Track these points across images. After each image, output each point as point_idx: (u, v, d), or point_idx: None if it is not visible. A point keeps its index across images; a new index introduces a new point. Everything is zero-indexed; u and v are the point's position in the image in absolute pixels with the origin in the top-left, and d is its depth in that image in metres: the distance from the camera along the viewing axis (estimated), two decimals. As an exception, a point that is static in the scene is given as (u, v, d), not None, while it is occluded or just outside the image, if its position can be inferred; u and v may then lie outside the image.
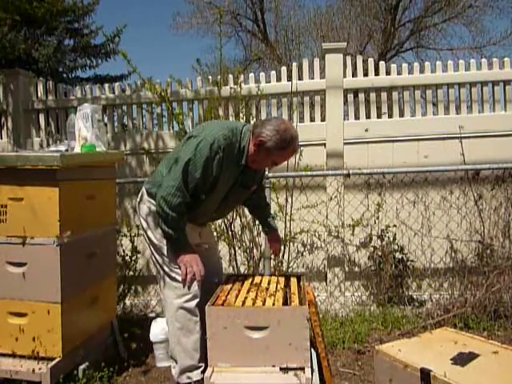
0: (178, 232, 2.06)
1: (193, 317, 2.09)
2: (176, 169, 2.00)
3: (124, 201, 3.92)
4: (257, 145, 2.04)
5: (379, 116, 3.86)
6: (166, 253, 2.13)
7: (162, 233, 2.09)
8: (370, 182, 3.70)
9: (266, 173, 3.27)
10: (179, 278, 2.09)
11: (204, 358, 2.06)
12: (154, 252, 2.19)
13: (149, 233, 2.19)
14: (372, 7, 12.17)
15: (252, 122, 3.81)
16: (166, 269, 2.13)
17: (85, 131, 2.51)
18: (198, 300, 2.09)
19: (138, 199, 2.26)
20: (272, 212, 3.51)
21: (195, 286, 2.09)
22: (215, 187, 2.07)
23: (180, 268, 2.08)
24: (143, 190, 2.24)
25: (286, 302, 1.97)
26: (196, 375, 2.09)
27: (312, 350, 2.11)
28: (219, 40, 3.56)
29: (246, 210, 2.95)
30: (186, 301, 2.08)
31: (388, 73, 3.85)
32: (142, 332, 3.01)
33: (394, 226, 3.62)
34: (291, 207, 3.63)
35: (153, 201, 2.16)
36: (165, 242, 2.14)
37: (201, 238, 2.29)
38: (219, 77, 3.84)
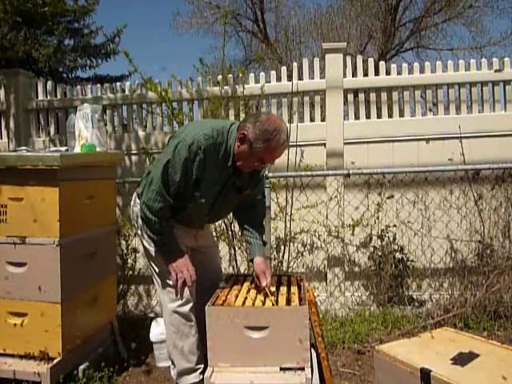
0: (164, 237, 2.00)
1: (187, 321, 2.06)
2: (155, 172, 1.93)
3: (124, 201, 3.92)
4: (239, 139, 1.90)
5: (379, 116, 3.86)
6: (159, 257, 2.10)
7: (148, 238, 2.05)
8: (370, 181, 3.70)
9: (266, 172, 3.27)
10: (171, 283, 2.06)
11: (203, 358, 2.05)
12: (147, 256, 2.18)
13: (142, 238, 2.16)
14: (372, 7, 12.16)
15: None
16: (160, 273, 2.11)
17: (85, 131, 2.51)
18: (191, 304, 2.07)
19: (132, 202, 2.23)
20: (272, 212, 3.52)
21: (187, 291, 2.06)
22: (199, 190, 1.96)
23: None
24: (136, 196, 2.20)
25: (286, 302, 1.97)
26: (194, 378, 2.09)
27: (312, 349, 2.11)
28: (222, 40, 3.55)
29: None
30: (179, 305, 2.06)
31: (388, 73, 3.85)
32: (142, 332, 3.01)
33: (394, 226, 3.62)
34: (291, 207, 3.63)
35: None
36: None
37: (197, 240, 2.23)
38: (220, 77, 3.85)
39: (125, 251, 3.66)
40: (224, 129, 1.95)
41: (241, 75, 3.78)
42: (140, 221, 2.13)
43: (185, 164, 1.87)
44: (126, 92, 4.08)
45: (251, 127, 1.88)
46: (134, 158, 4.01)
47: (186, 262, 2.04)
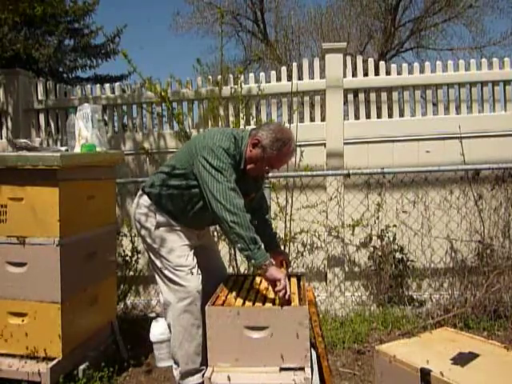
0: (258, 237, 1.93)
1: (195, 321, 2.07)
2: (214, 184, 1.92)
3: (124, 201, 3.92)
4: (253, 144, 2.04)
5: (379, 116, 3.86)
6: (165, 255, 2.11)
7: (247, 247, 1.89)
8: (370, 181, 3.70)
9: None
10: (180, 281, 2.07)
11: (205, 360, 2.05)
12: (152, 255, 2.18)
13: (146, 237, 2.17)
14: (372, 7, 12.16)
15: (252, 123, 3.82)
16: (166, 272, 2.11)
17: (85, 131, 2.51)
18: (200, 303, 2.08)
19: (135, 203, 2.24)
20: (272, 212, 3.52)
21: (197, 288, 2.08)
22: None
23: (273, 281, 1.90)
24: (142, 194, 2.20)
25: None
26: (197, 379, 2.10)
27: (312, 349, 2.11)
28: (220, 40, 3.57)
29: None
30: (189, 304, 2.06)
31: (388, 73, 3.85)
32: (142, 332, 3.01)
33: (394, 226, 3.62)
34: (291, 207, 3.63)
35: (153, 206, 2.15)
36: (164, 244, 2.12)
37: (199, 239, 2.26)
38: (219, 77, 3.85)
39: (126, 251, 3.66)
40: (239, 135, 2.08)
41: (240, 75, 3.78)
42: (144, 221, 2.15)
43: (232, 165, 1.98)
44: (126, 92, 4.08)
45: (265, 134, 2.02)
46: (134, 158, 4.00)
47: (281, 269, 2.03)
